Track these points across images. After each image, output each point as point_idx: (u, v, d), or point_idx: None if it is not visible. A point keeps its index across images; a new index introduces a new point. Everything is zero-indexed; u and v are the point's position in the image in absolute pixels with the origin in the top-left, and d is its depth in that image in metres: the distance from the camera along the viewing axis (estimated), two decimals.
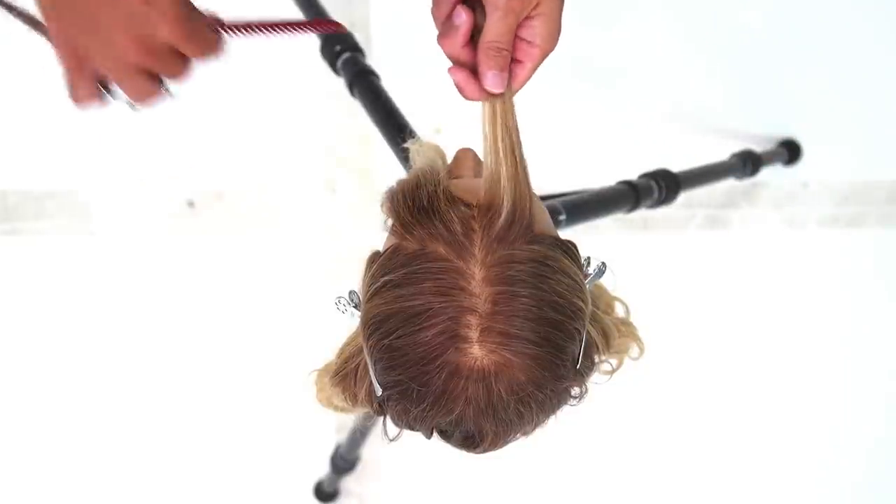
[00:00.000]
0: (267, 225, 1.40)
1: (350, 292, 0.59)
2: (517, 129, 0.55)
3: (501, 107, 0.55)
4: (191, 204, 1.38)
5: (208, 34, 0.50)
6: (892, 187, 1.47)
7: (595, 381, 0.60)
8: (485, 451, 0.57)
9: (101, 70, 0.49)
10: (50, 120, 1.35)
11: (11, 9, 0.52)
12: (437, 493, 1.46)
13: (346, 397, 0.63)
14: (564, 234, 0.60)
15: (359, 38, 1.01)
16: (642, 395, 1.35)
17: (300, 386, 0.70)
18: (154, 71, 0.50)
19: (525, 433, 0.57)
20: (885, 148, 1.46)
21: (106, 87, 0.52)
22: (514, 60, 0.55)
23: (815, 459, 1.51)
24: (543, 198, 0.77)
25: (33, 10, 0.49)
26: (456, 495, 1.46)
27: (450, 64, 0.56)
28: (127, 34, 0.47)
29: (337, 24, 0.59)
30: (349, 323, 0.59)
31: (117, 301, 1.39)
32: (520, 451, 0.60)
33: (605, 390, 0.62)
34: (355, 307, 0.58)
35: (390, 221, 0.57)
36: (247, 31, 0.54)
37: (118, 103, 0.54)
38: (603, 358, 0.63)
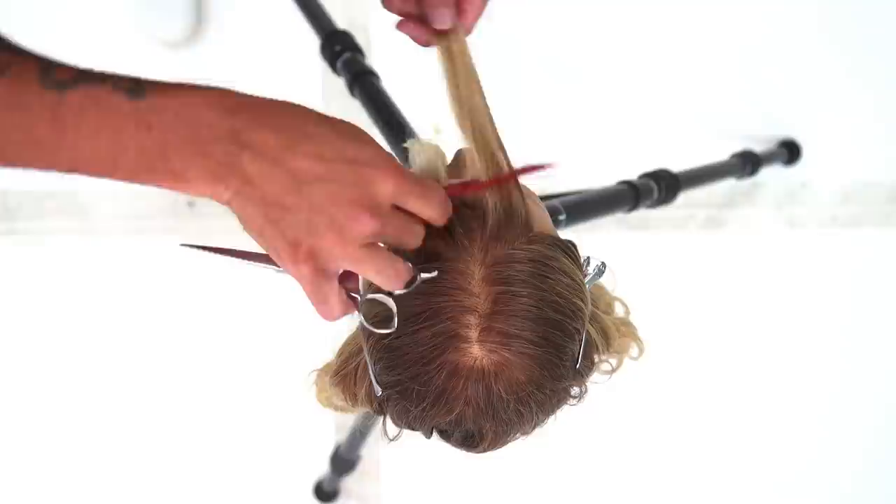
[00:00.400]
0: None
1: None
2: (485, 105, 0.55)
3: (464, 87, 0.55)
4: (191, 204, 1.38)
5: (431, 182, 0.47)
6: (892, 187, 1.47)
7: (595, 380, 0.60)
8: (485, 450, 0.57)
9: (340, 262, 0.45)
10: None
11: (227, 252, 0.49)
12: (437, 493, 1.46)
13: (345, 397, 0.63)
14: (564, 234, 0.60)
15: (359, 38, 1.01)
16: (642, 394, 1.35)
17: (300, 386, 0.70)
18: (391, 240, 0.46)
19: (525, 433, 0.57)
20: (885, 148, 1.46)
21: (353, 291, 0.49)
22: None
23: (814, 459, 1.51)
24: (543, 198, 0.77)
25: (246, 245, 0.46)
26: (456, 495, 1.46)
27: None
28: (348, 203, 0.43)
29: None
30: (349, 323, 0.59)
31: (117, 301, 1.39)
32: (520, 450, 0.60)
33: (605, 390, 0.62)
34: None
35: None
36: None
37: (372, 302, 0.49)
38: (603, 358, 0.63)
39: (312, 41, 1.03)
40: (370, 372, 0.56)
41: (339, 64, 0.98)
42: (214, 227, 1.39)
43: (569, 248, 0.56)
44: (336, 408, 0.68)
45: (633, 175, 1.02)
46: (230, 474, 1.42)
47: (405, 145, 0.75)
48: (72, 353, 1.39)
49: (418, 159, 0.70)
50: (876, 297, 1.49)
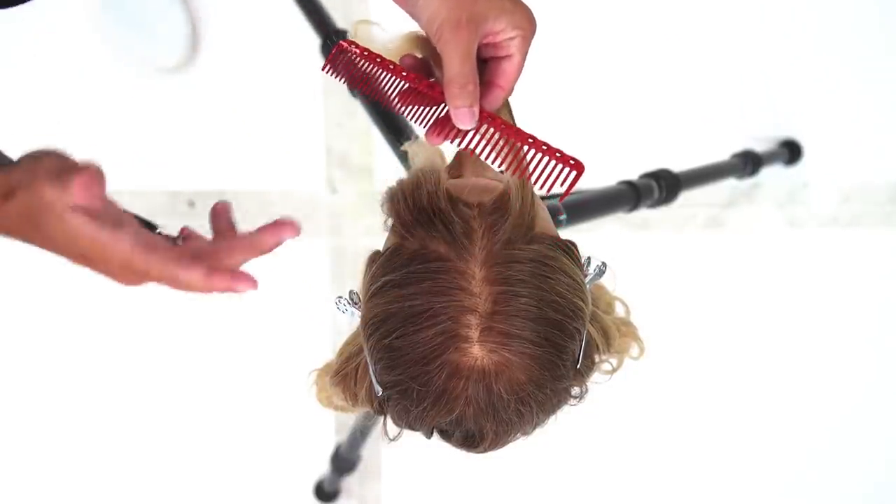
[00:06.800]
0: None
1: (350, 292, 0.59)
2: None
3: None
4: (191, 204, 1.38)
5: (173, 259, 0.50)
6: (892, 187, 1.47)
7: (595, 380, 0.60)
8: (485, 450, 0.57)
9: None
10: (50, 120, 1.35)
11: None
12: (437, 493, 1.46)
13: (346, 397, 0.63)
14: (564, 234, 0.60)
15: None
16: (643, 394, 1.35)
17: (300, 386, 0.70)
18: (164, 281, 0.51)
19: (525, 433, 0.57)
20: (885, 148, 1.46)
21: None
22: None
23: (815, 460, 1.51)
24: (543, 198, 0.77)
25: None
26: (456, 495, 1.46)
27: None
28: (125, 277, 0.49)
29: None
30: (349, 323, 0.59)
31: (117, 301, 1.39)
32: (520, 450, 0.60)
33: (605, 390, 0.62)
34: (355, 307, 0.58)
35: (390, 221, 0.57)
36: None
37: None
38: (603, 357, 0.63)
39: (312, 41, 1.03)
40: (370, 372, 0.56)
41: None
42: None
43: (569, 249, 0.56)
44: (336, 408, 0.68)
45: (633, 175, 1.02)
46: (231, 474, 1.42)
47: (403, 148, 0.75)
48: (72, 353, 1.39)
49: (417, 159, 0.70)
50: (876, 298, 1.49)
